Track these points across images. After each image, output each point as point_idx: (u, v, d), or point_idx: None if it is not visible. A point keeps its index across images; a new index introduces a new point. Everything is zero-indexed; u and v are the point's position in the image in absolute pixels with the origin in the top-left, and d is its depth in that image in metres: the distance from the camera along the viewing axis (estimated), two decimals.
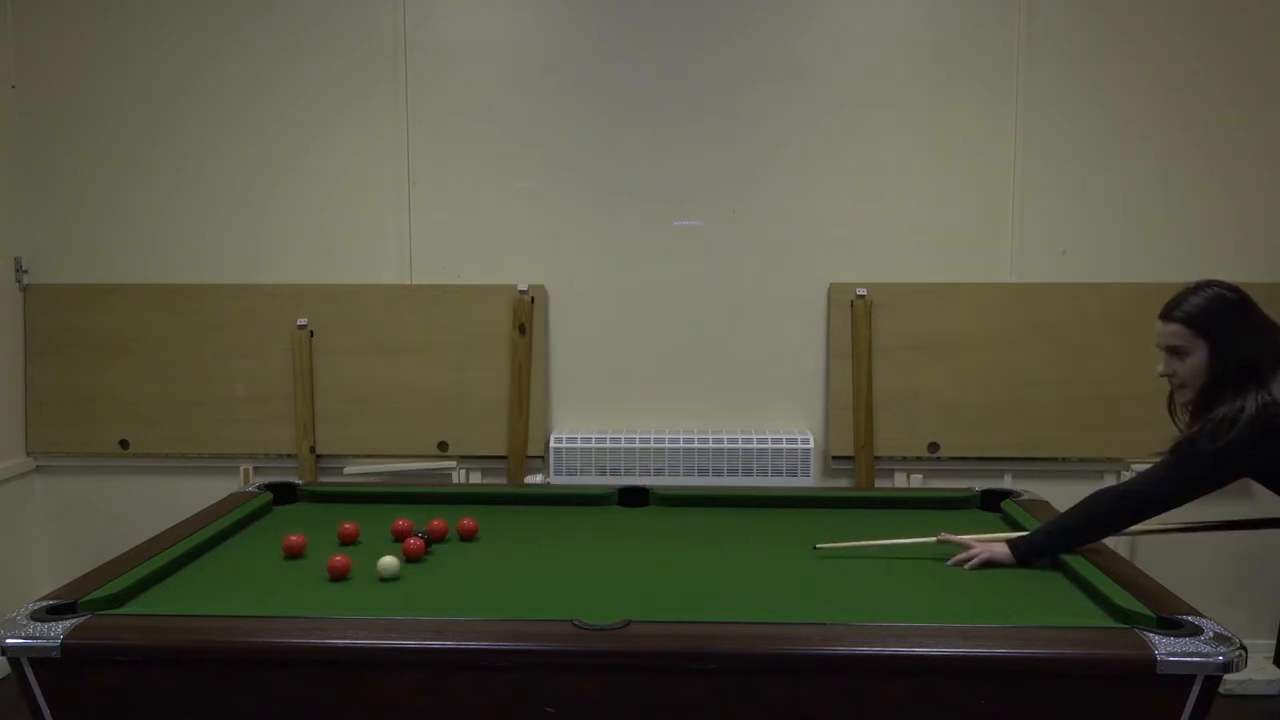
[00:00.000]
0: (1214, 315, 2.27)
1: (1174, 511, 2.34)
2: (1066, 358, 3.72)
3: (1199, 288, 2.32)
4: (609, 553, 2.65)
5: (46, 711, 1.97)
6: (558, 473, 3.71)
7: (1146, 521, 2.39)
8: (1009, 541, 2.48)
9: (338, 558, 2.42)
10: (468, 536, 2.76)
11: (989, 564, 2.44)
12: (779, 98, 3.76)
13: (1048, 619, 2.08)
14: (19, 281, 3.88)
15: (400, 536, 2.69)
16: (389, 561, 2.39)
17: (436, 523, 2.73)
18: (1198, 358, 2.28)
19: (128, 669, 1.97)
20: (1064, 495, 2.86)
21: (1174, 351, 2.31)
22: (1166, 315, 2.32)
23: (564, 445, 3.72)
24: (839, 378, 3.76)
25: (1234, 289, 2.31)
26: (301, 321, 3.81)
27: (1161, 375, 2.36)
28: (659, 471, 3.69)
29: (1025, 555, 2.44)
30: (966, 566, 2.45)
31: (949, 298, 3.75)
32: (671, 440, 3.71)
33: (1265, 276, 3.62)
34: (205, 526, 2.70)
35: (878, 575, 2.44)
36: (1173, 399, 2.41)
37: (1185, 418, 2.39)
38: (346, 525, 2.72)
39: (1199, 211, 3.72)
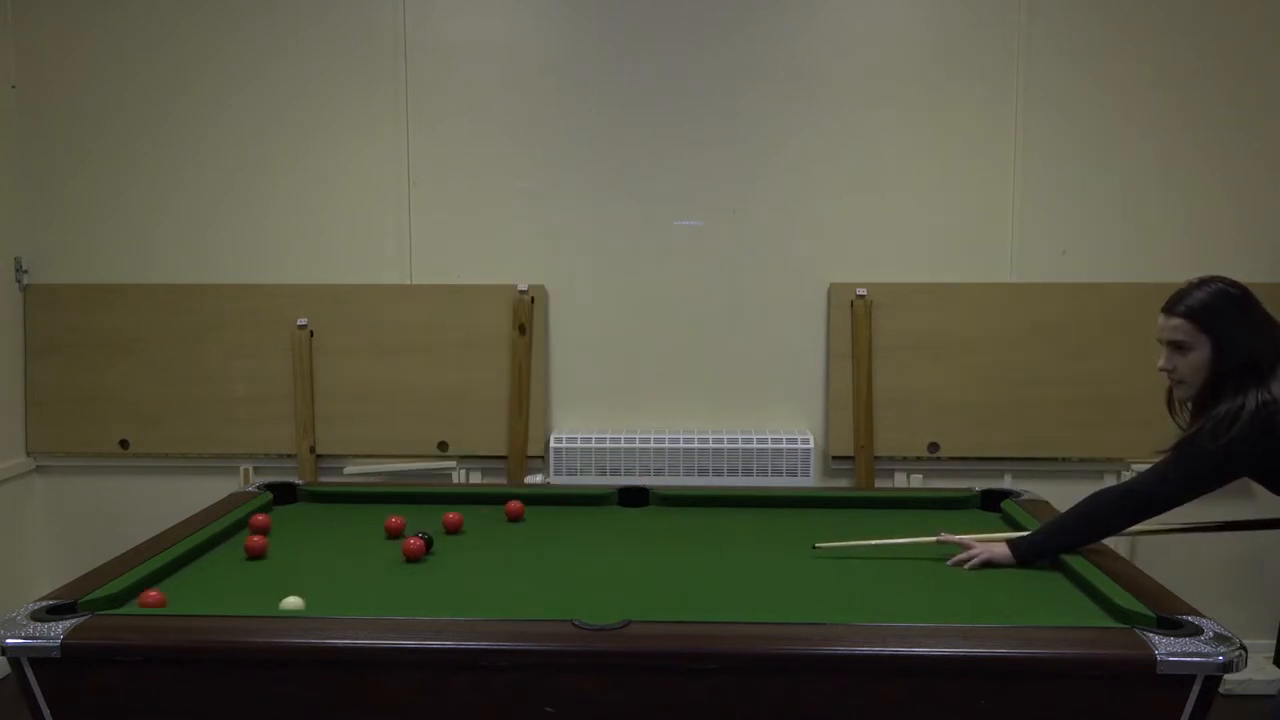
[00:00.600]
0: (1217, 310, 2.26)
1: (1174, 511, 2.33)
2: (1066, 358, 3.72)
3: (1203, 283, 2.31)
4: (609, 553, 2.65)
5: (46, 711, 1.97)
6: (558, 473, 3.71)
7: (1146, 521, 2.39)
8: (1009, 542, 2.48)
9: (256, 537, 2.58)
10: (515, 517, 2.91)
11: (989, 564, 2.44)
12: (779, 98, 3.76)
13: (1048, 619, 2.08)
14: (19, 281, 3.87)
15: (395, 534, 2.70)
16: (292, 602, 2.17)
17: (451, 516, 2.77)
18: (1200, 353, 2.27)
19: (128, 669, 1.97)
20: (1064, 495, 2.86)
21: (1176, 346, 2.30)
22: (1170, 309, 2.31)
23: (564, 445, 3.72)
24: (839, 378, 3.76)
25: (1236, 284, 2.30)
26: (301, 321, 3.81)
27: (1162, 370, 2.35)
28: (659, 471, 3.69)
29: (1025, 555, 2.43)
30: (966, 567, 2.45)
31: (949, 298, 3.75)
32: (671, 440, 3.70)
33: (1265, 276, 3.61)
34: (205, 526, 2.70)
35: (877, 575, 2.44)
36: (1172, 394, 2.40)
37: (1185, 414, 2.39)
38: (257, 516, 2.78)
39: (1199, 211, 3.72)
